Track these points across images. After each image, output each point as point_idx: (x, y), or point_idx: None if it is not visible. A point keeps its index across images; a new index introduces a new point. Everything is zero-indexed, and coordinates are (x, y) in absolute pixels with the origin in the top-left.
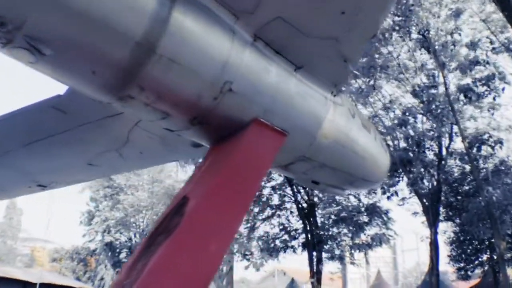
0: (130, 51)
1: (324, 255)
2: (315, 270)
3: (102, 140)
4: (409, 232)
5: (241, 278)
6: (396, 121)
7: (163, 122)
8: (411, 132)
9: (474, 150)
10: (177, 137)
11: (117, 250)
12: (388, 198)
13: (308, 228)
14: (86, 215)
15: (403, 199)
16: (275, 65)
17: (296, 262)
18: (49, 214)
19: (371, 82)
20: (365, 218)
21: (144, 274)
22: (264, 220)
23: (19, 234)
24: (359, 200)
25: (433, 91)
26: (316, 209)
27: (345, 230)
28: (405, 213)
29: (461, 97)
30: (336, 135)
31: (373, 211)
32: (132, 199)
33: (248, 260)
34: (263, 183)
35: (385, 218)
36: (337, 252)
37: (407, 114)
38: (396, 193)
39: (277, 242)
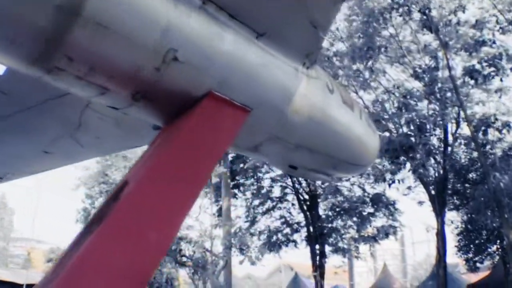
0: (51, 15)
1: (328, 248)
2: (318, 264)
3: (53, 125)
4: (419, 223)
5: (247, 274)
6: (397, 105)
7: (103, 99)
8: (414, 116)
9: (480, 134)
10: (134, 120)
11: None
12: (389, 185)
13: (310, 221)
14: (82, 212)
15: (408, 188)
16: (231, 31)
17: (302, 256)
18: (41, 214)
19: (369, 64)
20: (370, 209)
21: (65, 270)
22: (264, 213)
23: (11, 234)
24: (364, 190)
25: (437, 73)
26: (318, 200)
27: (350, 222)
28: (414, 204)
29: (467, 79)
30: (310, 111)
31: (378, 201)
32: None
33: (243, 254)
34: (261, 174)
35: (392, 209)
36: (341, 245)
37: (408, 97)
38: (399, 181)
39: (279, 235)
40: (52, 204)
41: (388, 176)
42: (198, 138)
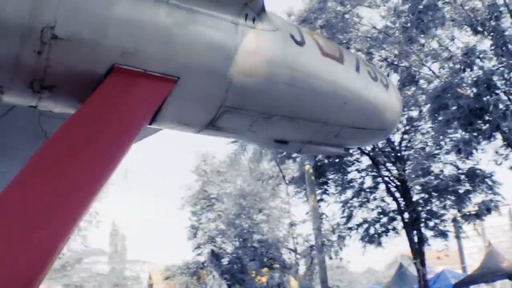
0: None
1: (429, 233)
2: (417, 251)
3: (24, 140)
4: None
5: (368, 269)
6: (457, 66)
7: (6, 98)
8: (481, 75)
9: None
10: None
11: (222, 259)
12: (467, 157)
13: (405, 207)
14: (190, 229)
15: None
16: None
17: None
18: (152, 236)
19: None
20: (467, 186)
21: None
22: (360, 205)
23: (126, 258)
24: (457, 167)
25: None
26: (409, 184)
27: (448, 202)
28: None
29: None
30: (268, 70)
31: (474, 176)
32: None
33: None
34: (348, 168)
35: (489, 182)
36: (441, 228)
37: (470, 55)
38: (476, 149)
39: (377, 226)
40: (160, 225)
41: (467, 146)
42: (101, 119)
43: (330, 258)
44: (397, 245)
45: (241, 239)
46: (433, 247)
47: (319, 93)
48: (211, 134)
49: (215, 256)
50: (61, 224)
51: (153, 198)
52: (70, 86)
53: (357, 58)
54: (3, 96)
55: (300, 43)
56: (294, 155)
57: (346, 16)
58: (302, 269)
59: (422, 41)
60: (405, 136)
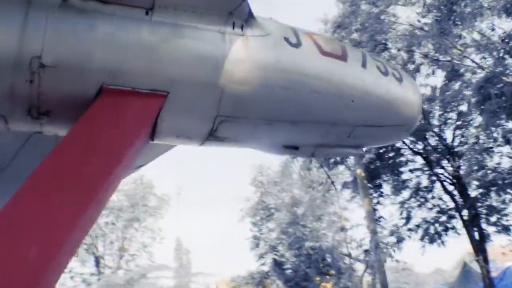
0: None
1: (492, 229)
2: (478, 248)
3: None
4: None
5: (436, 269)
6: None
7: (11, 125)
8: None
9: None
10: None
11: (285, 267)
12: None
13: (461, 204)
14: (252, 239)
15: None
16: (106, 17)
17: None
18: (215, 248)
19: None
20: None
21: None
22: (419, 206)
23: (191, 271)
24: None
25: None
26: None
27: (508, 196)
28: None
29: None
30: (262, 76)
31: None
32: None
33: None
34: (402, 168)
35: None
36: (503, 222)
37: (508, 41)
38: None
39: (436, 225)
40: (222, 237)
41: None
42: (93, 138)
43: (385, 261)
44: (464, 244)
45: (295, 247)
46: (497, 242)
47: (321, 93)
48: (215, 145)
49: (278, 265)
50: (54, 239)
51: (212, 211)
52: (64, 110)
53: (364, 54)
54: (8, 124)
55: (296, 45)
56: (342, 160)
57: (382, 17)
58: (359, 273)
59: (459, 32)
60: (457, 132)
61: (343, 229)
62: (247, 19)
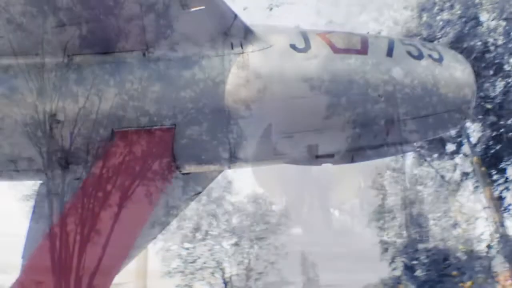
0: None
1: None
2: None
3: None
4: None
5: None
6: None
7: (29, 177)
8: None
9: None
10: None
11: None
12: None
13: None
14: (381, 244)
15: None
16: (106, 68)
17: None
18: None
19: None
20: None
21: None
22: None
23: (319, 284)
24: None
25: None
26: None
27: None
28: None
29: None
30: (270, 90)
31: None
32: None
33: None
34: None
35: None
36: None
37: None
38: None
39: None
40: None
41: None
42: (110, 178)
43: None
44: None
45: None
46: None
47: (339, 95)
48: (241, 166)
49: (409, 269)
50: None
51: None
52: (86, 160)
53: (391, 41)
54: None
55: (304, 50)
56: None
57: None
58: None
59: None
60: None
61: (456, 224)
62: (245, 35)
